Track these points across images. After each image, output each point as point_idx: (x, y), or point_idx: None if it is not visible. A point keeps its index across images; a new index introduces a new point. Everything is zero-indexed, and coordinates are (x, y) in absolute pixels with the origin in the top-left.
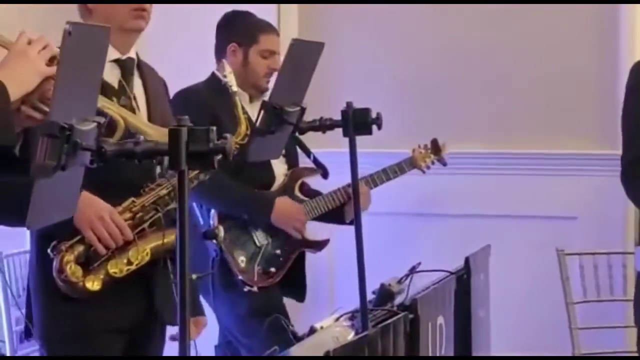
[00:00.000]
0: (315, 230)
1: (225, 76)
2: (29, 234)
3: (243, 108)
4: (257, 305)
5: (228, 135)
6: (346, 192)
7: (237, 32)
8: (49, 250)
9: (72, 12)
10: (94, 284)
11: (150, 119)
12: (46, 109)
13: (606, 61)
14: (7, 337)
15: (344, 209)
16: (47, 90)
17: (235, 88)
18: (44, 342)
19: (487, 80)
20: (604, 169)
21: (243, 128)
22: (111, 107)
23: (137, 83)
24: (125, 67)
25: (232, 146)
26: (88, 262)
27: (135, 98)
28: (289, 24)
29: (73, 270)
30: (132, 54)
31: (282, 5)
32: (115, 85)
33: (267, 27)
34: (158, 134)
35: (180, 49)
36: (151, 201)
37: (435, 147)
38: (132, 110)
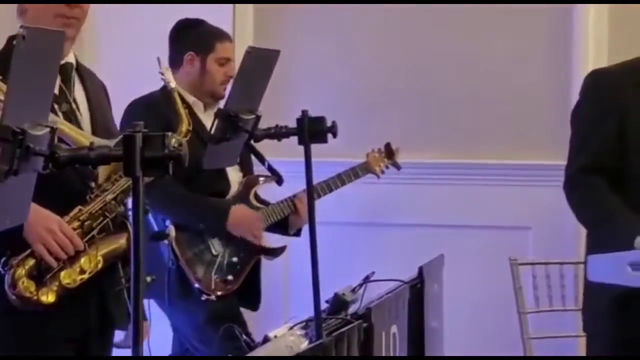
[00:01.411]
0: (269, 237)
1: (162, 73)
2: None
3: (185, 103)
4: (214, 313)
5: (184, 140)
6: (293, 203)
7: (193, 41)
8: None
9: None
10: (48, 297)
11: (93, 123)
12: None
13: (559, 73)
14: None
15: (288, 220)
16: None
17: (173, 84)
18: None
19: (441, 91)
20: (557, 180)
21: (185, 126)
22: None
23: (77, 87)
24: (65, 71)
25: (187, 151)
26: (40, 275)
27: (76, 103)
28: (245, 24)
29: (26, 286)
30: (70, 59)
31: (238, 5)
32: (56, 90)
33: (222, 35)
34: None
35: (135, 53)
36: (98, 208)
37: (389, 152)
38: (75, 115)
